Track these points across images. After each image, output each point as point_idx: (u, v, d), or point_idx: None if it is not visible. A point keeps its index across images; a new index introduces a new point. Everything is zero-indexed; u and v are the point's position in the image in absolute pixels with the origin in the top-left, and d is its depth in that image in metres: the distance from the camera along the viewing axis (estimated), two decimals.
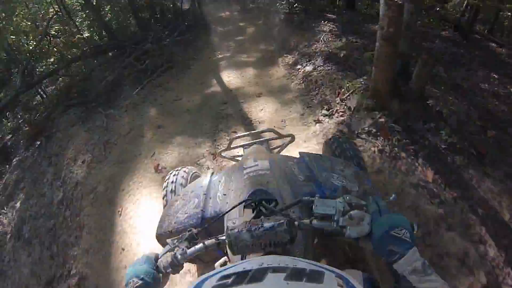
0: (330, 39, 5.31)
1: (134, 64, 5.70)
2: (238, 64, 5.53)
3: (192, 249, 0.76)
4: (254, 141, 1.43)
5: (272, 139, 1.43)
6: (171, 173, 1.48)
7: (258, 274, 0.44)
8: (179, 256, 0.74)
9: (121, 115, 4.54)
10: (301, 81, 4.27)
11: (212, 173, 1.12)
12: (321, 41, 5.28)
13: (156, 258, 0.77)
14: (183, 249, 0.75)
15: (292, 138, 1.43)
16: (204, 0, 14.17)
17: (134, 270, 0.72)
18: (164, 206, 1.33)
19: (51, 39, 6.66)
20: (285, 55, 5.50)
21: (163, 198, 1.38)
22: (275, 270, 0.46)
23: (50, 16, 6.80)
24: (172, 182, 1.38)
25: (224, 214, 0.84)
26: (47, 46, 6.43)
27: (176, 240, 0.78)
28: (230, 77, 5.02)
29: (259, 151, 1.27)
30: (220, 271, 0.49)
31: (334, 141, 1.50)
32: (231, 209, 0.79)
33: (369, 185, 1.01)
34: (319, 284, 0.43)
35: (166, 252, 0.76)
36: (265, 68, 5.19)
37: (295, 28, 6.42)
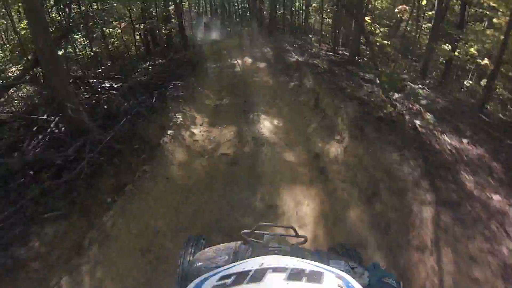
0: None
1: None
2: None
3: None
4: (274, 233, 1.58)
5: (290, 236, 1.60)
6: (190, 239, 1.63)
7: (258, 274, 0.45)
8: None
9: None
10: None
11: (242, 242, 1.28)
12: None
13: None
14: None
15: (305, 239, 1.57)
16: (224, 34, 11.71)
17: None
18: (181, 263, 1.45)
19: None
20: None
21: (180, 257, 1.47)
22: (275, 270, 0.47)
23: None
24: (192, 246, 1.54)
25: None
26: None
27: None
28: None
29: (280, 240, 1.49)
30: (220, 271, 0.50)
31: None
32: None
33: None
34: (319, 284, 0.44)
35: None
36: None
37: None
